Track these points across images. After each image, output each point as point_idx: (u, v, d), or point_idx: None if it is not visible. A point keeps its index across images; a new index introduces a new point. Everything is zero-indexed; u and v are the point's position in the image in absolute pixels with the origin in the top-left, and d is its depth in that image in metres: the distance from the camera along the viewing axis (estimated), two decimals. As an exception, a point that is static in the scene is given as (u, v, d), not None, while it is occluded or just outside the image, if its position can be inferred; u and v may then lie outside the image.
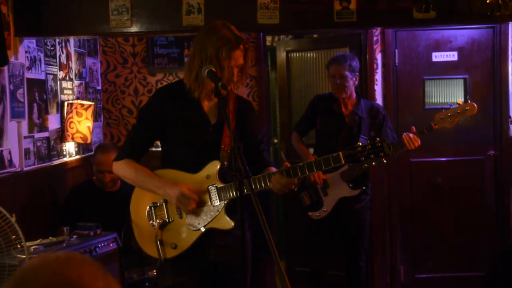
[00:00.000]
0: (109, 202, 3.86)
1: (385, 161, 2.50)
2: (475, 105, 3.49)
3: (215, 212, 2.43)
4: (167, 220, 2.47)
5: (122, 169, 2.49)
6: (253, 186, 2.34)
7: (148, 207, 2.50)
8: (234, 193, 2.39)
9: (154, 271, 3.52)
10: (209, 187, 2.43)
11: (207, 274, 2.53)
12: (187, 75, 2.47)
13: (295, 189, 3.97)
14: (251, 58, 2.56)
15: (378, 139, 2.36)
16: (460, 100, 3.58)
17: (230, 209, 2.45)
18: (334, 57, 3.92)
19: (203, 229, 2.44)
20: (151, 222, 2.49)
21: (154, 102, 2.53)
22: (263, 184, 2.37)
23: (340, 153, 2.31)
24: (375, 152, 2.33)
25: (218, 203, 2.42)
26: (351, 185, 3.79)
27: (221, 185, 2.42)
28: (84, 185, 3.98)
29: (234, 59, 2.40)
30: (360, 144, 2.34)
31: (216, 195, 2.42)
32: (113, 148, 3.95)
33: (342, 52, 4.17)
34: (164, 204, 2.48)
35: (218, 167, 2.43)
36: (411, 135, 3.52)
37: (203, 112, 2.48)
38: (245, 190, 2.09)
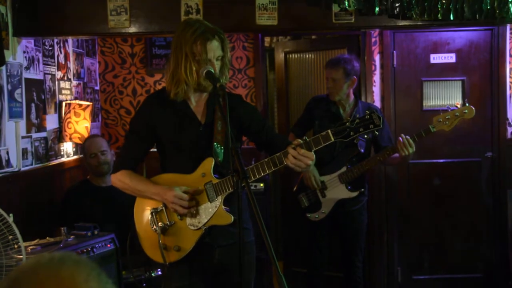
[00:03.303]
0: (107, 197, 3.88)
1: (376, 133, 2.42)
2: (473, 108, 3.49)
3: (213, 209, 2.44)
4: (168, 224, 2.48)
5: (120, 180, 2.52)
6: (267, 169, 2.33)
7: (149, 214, 2.52)
8: (229, 187, 2.39)
9: (153, 271, 3.53)
10: (206, 184, 2.44)
11: (213, 276, 2.53)
12: (165, 77, 2.48)
13: (294, 190, 3.98)
14: (229, 49, 2.51)
15: (367, 111, 2.33)
16: (458, 103, 3.57)
17: (230, 206, 2.45)
18: (330, 60, 3.92)
19: (204, 228, 2.44)
20: (153, 227, 2.50)
21: (142, 111, 2.55)
22: (278, 164, 2.32)
23: (329, 131, 2.27)
24: (365, 125, 2.28)
25: (216, 199, 2.43)
26: (349, 187, 3.80)
27: (217, 181, 2.43)
28: (81, 184, 4.00)
29: (211, 50, 2.37)
30: (349, 119, 2.30)
31: (213, 191, 2.43)
32: (98, 135, 4.01)
33: (341, 54, 4.16)
34: (164, 208, 2.49)
35: (212, 164, 2.44)
36: (407, 138, 3.50)
37: (191, 114, 2.49)
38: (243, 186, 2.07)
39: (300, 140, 2.29)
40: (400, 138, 3.51)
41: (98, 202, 3.86)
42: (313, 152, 2.29)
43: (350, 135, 2.28)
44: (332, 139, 2.27)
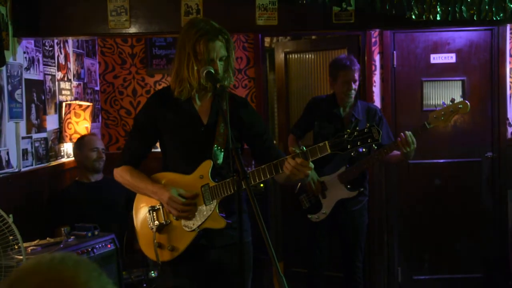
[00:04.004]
0: (100, 191, 3.93)
1: (375, 147, 2.37)
2: (468, 103, 3.48)
3: (208, 212, 2.44)
4: (164, 223, 2.49)
5: (120, 175, 2.54)
6: (263, 176, 2.32)
7: (147, 211, 2.53)
8: (226, 191, 2.39)
9: (152, 272, 3.54)
10: (202, 187, 2.44)
11: (209, 277, 2.53)
12: (171, 75, 2.49)
13: (295, 191, 3.98)
14: (234, 50, 2.49)
15: (367, 124, 2.31)
16: (453, 98, 3.56)
17: (226, 210, 2.45)
18: (344, 62, 3.81)
19: (197, 230, 2.45)
20: (150, 225, 2.51)
21: (146, 109, 2.56)
22: (274, 172, 2.31)
23: (326, 142, 2.26)
24: (362, 139, 2.26)
25: (211, 202, 2.43)
26: (348, 187, 3.80)
27: (214, 184, 2.42)
28: (72, 184, 4.03)
29: (213, 50, 2.35)
30: (349, 131, 2.28)
31: (209, 194, 2.43)
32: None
33: (344, 55, 4.13)
34: (161, 207, 2.51)
35: (211, 166, 2.43)
36: (408, 134, 3.49)
37: (195, 113, 2.49)
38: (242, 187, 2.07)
39: (297, 150, 2.28)
40: (402, 134, 3.50)
41: (93, 197, 3.90)
42: (310, 162, 2.28)
43: (347, 148, 2.26)
44: (329, 151, 2.26)
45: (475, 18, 3.51)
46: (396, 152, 3.66)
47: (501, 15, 3.49)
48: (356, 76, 3.79)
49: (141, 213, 2.57)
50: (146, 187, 2.48)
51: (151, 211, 2.52)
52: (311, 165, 2.28)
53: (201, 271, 2.51)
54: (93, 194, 3.91)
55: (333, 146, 2.26)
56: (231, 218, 2.45)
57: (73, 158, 4.32)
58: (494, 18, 3.50)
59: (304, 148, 2.29)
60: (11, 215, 2.74)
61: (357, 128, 2.27)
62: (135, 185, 2.51)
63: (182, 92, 2.42)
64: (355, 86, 3.79)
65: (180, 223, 2.47)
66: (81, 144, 4.01)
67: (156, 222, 2.49)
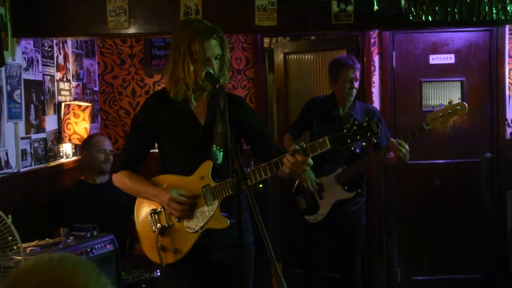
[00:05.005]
0: (104, 193, 3.91)
1: (375, 141, 2.36)
2: (466, 104, 3.48)
3: (210, 212, 2.43)
4: (166, 225, 2.48)
5: (120, 180, 2.53)
6: (264, 174, 2.31)
7: (149, 214, 2.53)
8: (227, 190, 2.39)
9: (152, 272, 3.53)
10: (203, 188, 2.44)
11: (211, 277, 2.53)
12: (165, 76, 2.49)
13: (292, 191, 3.98)
14: (229, 48, 2.49)
15: (366, 118, 2.32)
16: (451, 99, 3.57)
17: (228, 210, 2.45)
18: (347, 61, 3.80)
19: (200, 231, 2.44)
20: (152, 228, 2.51)
21: (142, 111, 2.56)
22: (275, 170, 2.30)
23: (326, 138, 2.25)
24: (362, 132, 2.25)
25: (213, 203, 2.43)
26: (346, 188, 3.79)
27: (214, 184, 2.42)
28: (76, 185, 4.01)
29: (208, 49, 2.35)
30: (348, 126, 2.27)
31: (210, 195, 2.43)
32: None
33: (343, 55, 4.13)
34: (163, 210, 2.50)
35: (211, 166, 2.43)
36: (397, 140, 3.49)
37: (191, 114, 2.49)
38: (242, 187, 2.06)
39: (296, 146, 2.28)
40: (392, 140, 3.51)
41: (97, 199, 3.89)
42: (310, 158, 2.28)
43: (347, 142, 2.25)
44: (329, 146, 2.25)
45: (474, 18, 3.51)
46: (392, 154, 3.66)
47: (501, 16, 3.49)
48: (358, 75, 3.80)
49: (143, 216, 2.56)
50: (147, 191, 2.48)
51: (152, 214, 2.51)
52: (310, 161, 2.27)
53: (205, 271, 2.51)
54: (95, 195, 3.91)
55: (333, 141, 2.25)
56: (233, 218, 2.44)
57: (72, 159, 4.32)
58: (494, 19, 3.50)
59: (304, 144, 2.28)
60: (10, 216, 2.74)
61: (356, 123, 2.27)
62: (135, 189, 2.50)
63: (178, 93, 2.42)
64: (356, 85, 3.80)
65: (183, 224, 2.47)
66: (89, 144, 3.99)
67: (159, 225, 2.49)
